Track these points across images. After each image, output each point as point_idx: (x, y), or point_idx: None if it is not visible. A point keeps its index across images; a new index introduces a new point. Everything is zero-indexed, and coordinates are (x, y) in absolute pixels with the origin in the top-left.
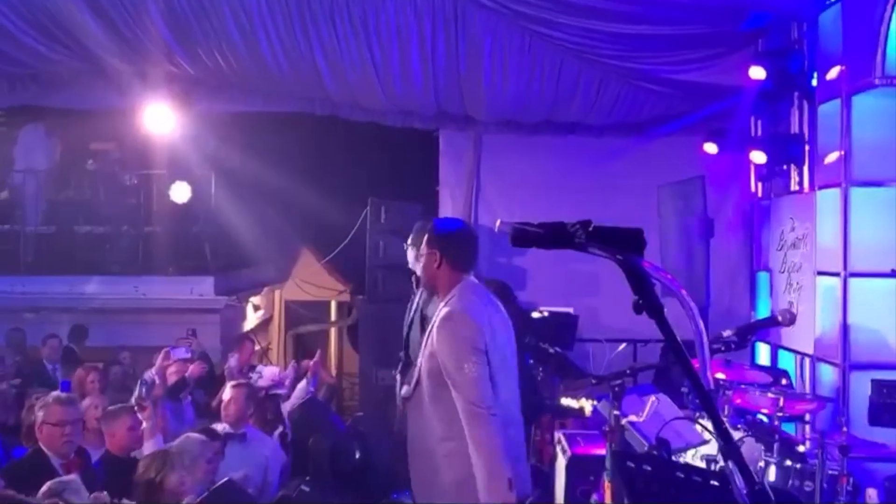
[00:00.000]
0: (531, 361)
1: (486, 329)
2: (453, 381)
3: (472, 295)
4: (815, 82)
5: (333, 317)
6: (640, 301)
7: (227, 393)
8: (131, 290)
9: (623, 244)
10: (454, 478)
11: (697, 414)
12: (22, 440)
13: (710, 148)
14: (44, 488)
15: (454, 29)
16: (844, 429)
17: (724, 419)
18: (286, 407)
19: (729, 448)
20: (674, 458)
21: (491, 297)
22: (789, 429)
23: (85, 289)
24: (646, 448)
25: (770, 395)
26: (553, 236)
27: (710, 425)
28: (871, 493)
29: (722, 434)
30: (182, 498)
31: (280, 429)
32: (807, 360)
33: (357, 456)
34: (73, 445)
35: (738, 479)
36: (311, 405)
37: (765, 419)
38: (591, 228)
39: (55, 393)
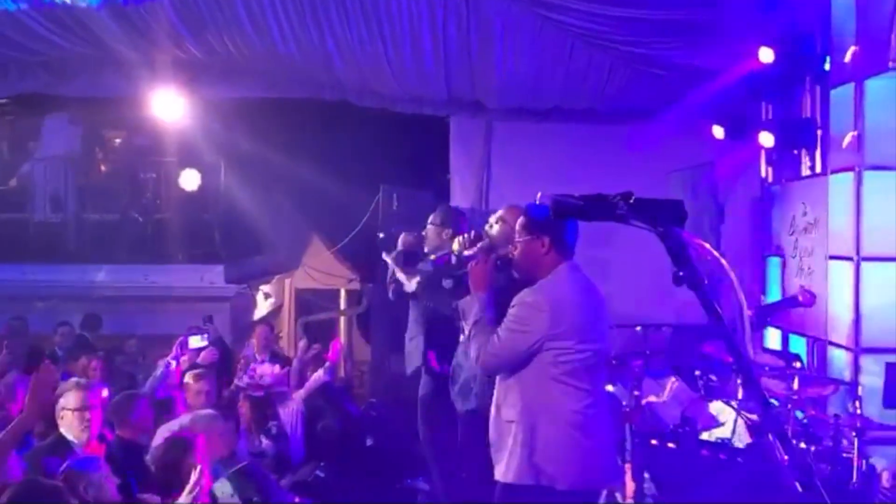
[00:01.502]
0: None
1: (560, 314)
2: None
3: (565, 280)
4: (827, 66)
5: (343, 305)
6: (681, 273)
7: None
8: (141, 279)
9: (663, 216)
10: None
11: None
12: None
13: (718, 132)
14: (62, 469)
15: (465, 14)
16: (858, 412)
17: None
18: (301, 394)
19: (770, 420)
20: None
21: (586, 281)
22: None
23: (95, 277)
24: (669, 429)
25: (784, 378)
26: (594, 207)
27: (734, 403)
28: (886, 476)
29: (763, 405)
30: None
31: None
32: (818, 344)
33: (368, 441)
34: (94, 431)
35: (780, 453)
36: (325, 391)
37: (777, 403)
38: (631, 200)
39: (75, 379)
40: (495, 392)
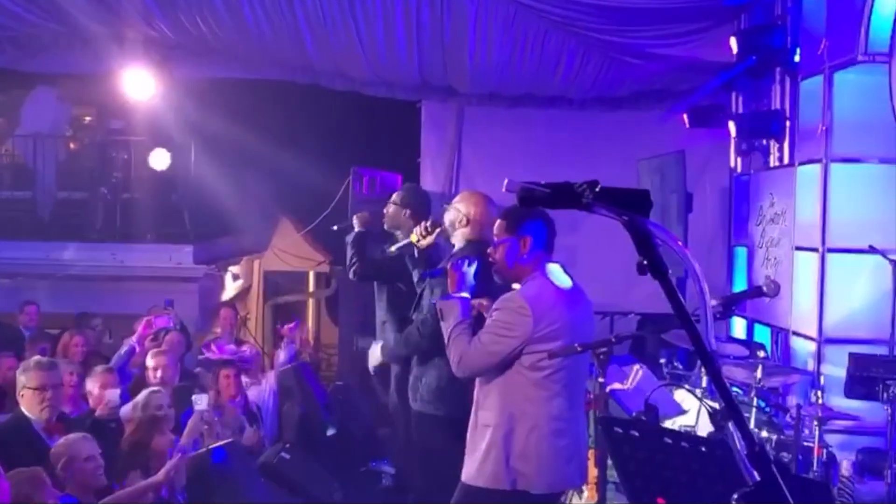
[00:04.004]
0: None
1: (542, 318)
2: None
3: (548, 282)
4: (797, 58)
5: (312, 287)
6: (645, 262)
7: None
8: (109, 258)
9: (629, 205)
10: (484, 445)
11: (686, 386)
12: None
13: (686, 120)
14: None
15: None
16: (820, 401)
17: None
18: (270, 377)
19: (730, 409)
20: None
21: (568, 285)
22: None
23: (62, 255)
24: (632, 416)
25: (747, 367)
26: (560, 196)
27: (697, 391)
28: (845, 465)
29: (724, 394)
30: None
31: None
32: (782, 334)
33: (330, 426)
34: (55, 409)
35: (738, 441)
36: (293, 372)
37: (740, 391)
38: (598, 189)
39: (36, 357)
40: (475, 396)
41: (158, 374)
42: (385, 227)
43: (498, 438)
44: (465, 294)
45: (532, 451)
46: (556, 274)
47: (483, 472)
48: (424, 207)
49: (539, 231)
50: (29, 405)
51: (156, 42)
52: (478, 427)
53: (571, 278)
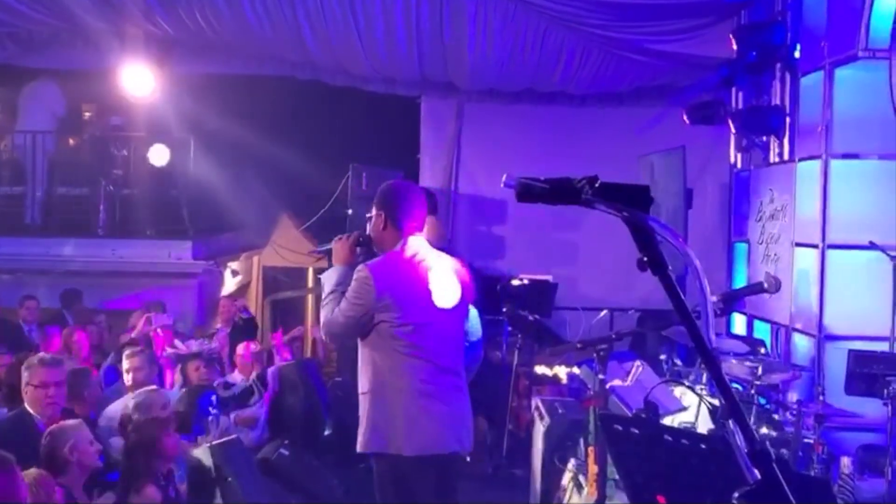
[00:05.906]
0: (510, 328)
1: (385, 287)
2: None
3: (396, 257)
4: (797, 54)
5: (311, 283)
6: (645, 259)
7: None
8: (108, 253)
9: (629, 201)
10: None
11: (686, 383)
12: None
13: (686, 117)
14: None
15: None
16: (821, 398)
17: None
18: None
19: (731, 406)
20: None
21: (425, 258)
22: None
23: (62, 251)
24: (632, 413)
25: (748, 363)
26: (559, 191)
27: (696, 387)
28: (845, 462)
29: (724, 392)
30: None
31: None
32: (782, 331)
33: (326, 427)
34: (58, 407)
35: (739, 438)
36: (297, 367)
37: (740, 388)
38: (597, 184)
39: (41, 354)
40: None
41: (131, 376)
42: None
43: (369, 403)
44: (340, 266)
45: (399, 414)
46: (415, 248)
47: (362, 438)
48: (433, 207)
49: (391, 209)
50: (32, 402)
51: (156, 38)
52: (360, 395)
53: (451, 254)
